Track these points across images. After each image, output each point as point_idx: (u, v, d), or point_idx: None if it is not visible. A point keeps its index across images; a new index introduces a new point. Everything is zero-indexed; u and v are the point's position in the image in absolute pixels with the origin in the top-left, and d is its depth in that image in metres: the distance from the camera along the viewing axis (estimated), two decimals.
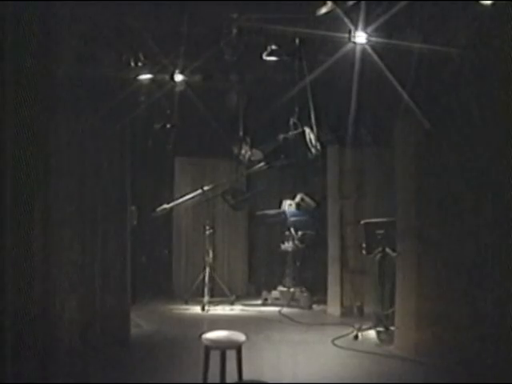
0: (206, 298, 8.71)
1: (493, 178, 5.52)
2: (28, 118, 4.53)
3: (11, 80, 4.07)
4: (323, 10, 5.84)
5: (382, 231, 6.95)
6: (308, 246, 9.26)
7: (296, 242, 9.21)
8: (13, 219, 4.29)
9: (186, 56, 7.16)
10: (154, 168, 9.59)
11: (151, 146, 9.38)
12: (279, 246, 9.32)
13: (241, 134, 8.99)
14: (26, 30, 4.43)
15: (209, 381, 4.65)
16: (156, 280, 9.54)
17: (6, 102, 3.97)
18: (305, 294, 9.01)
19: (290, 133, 8.06)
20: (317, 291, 9.00)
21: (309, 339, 7.04)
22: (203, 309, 8.61)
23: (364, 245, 7.20)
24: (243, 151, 8.90)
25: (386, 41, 5.94)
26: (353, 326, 7.07)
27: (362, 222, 7.37)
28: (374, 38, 5.96)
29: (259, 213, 9.66)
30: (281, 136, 8.28)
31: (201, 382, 4.66)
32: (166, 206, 9.05)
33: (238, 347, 4.67)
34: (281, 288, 9.17)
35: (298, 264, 9.23)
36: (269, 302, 9.16)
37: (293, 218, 9.30)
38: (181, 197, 9.28)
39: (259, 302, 9.25)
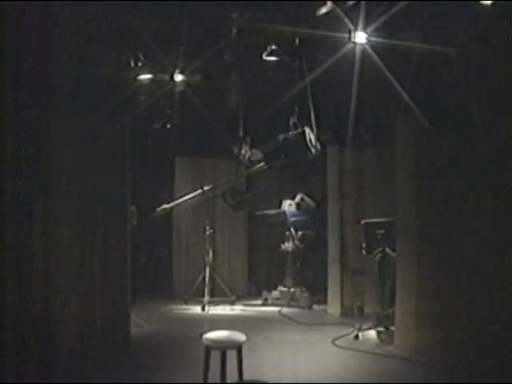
0: (206, 298, 8.70)
1: (493, 178, 5.52)
2: (28, 117, 4.54)
3: (11, 80, 4.07)
4: (323, 10, 5.85)
5: (382, 231, 6.95)
6: (308, 246, 9.25)
7: (296, 241, 9.20)
8: (13, 219, 4.29)
9: (186, 56, 7.17)
10: (154, 168, 9.58)
11: (151, 146, 9.38)
12: (279, 246, 9.31)
13: (241, 134, 8.99)
14: (26, 30, 4.44)
15: (209, 381, 4.65)
16: (156, 280, 9.54)
17: (5, 102, 3.97)
18: (305, 294, 9.01)
19: (290, 133, 8.07)
20: (317, 291, 8.99)
21: (309, 339, 7.04)
22: (203, 309, 8.61)
23: (364, 245, 7.19)
24: (243, 151, 8.90)
25: (385, 41, 5.95)
26: (353, 326, 7.06)
27: (362, 221, 7.37)
28: (374, 38, 5.96)
29: (259, 213, 9.65)
30: (281, 136, 8.29)
31: (201, 381, 4.66)
32: (165, 205, 9.05)
33: (238, 347, 4.67)
34: (281, 288, 9.16)
35: (298, 264, 9.22)
36: (269, 302, 9.16)
37: (293, 218, 9.30)
38: (181, 197, 9.28)
39: (259, 302, 9.25)
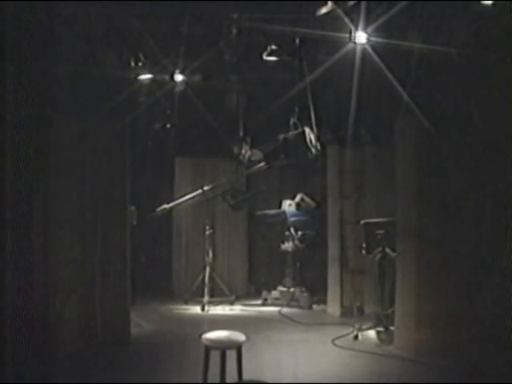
0: (206, 298, 8.70)
1: (493, 178, 5.52)
2: (28, 117, 4.53)
3: (11, 80, 4.07)
4: (323, 10, 5.85)
5: (382, 231, 6.95)
6: (308, 246, 9.25)
7: (296, 242, 9.20)
8: (13, 219, 4.29)
9: (186, 56, 7.16)
10: (154, 168, 9.59)
11: (151, 146, 9.38)
12: (279, 246, 9.31)
13: (241, 134, 8.99)
14: (26, 30, 4.43)
15: (209, 381, 4.65)
16: (156, 280, 9.54)
17: (6, 102, 3.97)
18: (305, 294, 9.01)
19: (290, 133, 8.07)
20: (317, 291, 8.99)
21: (309, 339, 7.03)
22: (203, 309, 8.61)
23: (364, 245, 7.19)
24: (243, 151, 8.90)
25: (386, 41, 5.94)
26: (353, 326, 7.06)
27: (362, 222, 7.37)
28: (374, 38, 5.96)
29: (259, 213, 9.65)
30: (281, 136, 8.29)
31: (201, 382, 4.66)
32: (165, 205, 9.05)
33: (238, 347, 4.67)
34: (281, 288, 9.16)
35: (297, 264, 9.22)
36: (269, 302, 9.16)
37: (293, 218, 9.30)
38: (181, 197, 9.28)
39: (259, 302, 9.25)
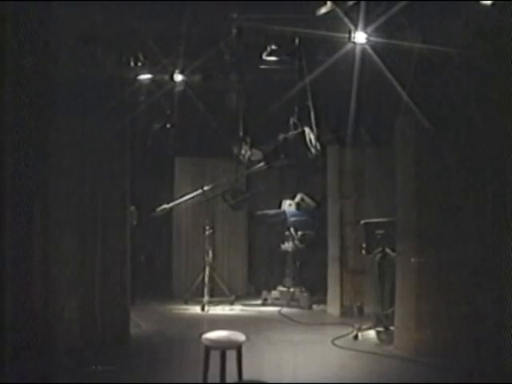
0: (206, 298, 8.70)
1: (493, 178, 5.52)
2: (28, 117, 4.54)
3: (11, 80, 4.07)
4: (323, 10, 5.84)
5: (382, 231, 6.95)
6: (308, 246, 9.25)
7: (296, 242, 9.20)
8: (13, 219, 4.29)
9: (186, 56, 7.16)
10: (154, 168, 9.58)
11: (151, 146, 9.38)
12: (279, 246, 9.31)
13: (241, 134, 8.98)
14: (26, 30, 4.44)
15: (209, 381, 4.65)
16: (156, 280, 9.54)
17: (5, 102, 3.97)
18: (305, 294, 9.01)
19: (290, 133, 8.06)
20: (317, 291, 8.99)
21: (309, 339, 7.03)
22: (203, 309, 8.61)
23: (364, 245, 7.19)
24: (243, 151, 8.89)
25: (385, 41, 5.94)
26: (353, 326, 7.06)
27: (362, 221, 7.37)
28: (373, 38, 5.96)
29: (259, 213, 9.65)
30: (281, 136, 8.29)
31: (201, 382, 4.66)
32: (165, 205, 9.05)
33: (237, 347, 4.67)
34: (281, 288, 9.16)
35: (297, 264, 9.22)
36: (269, 302, 9.15)
37: (293, 218, 9.30)
38: (181, 197, 9.28)
39: (259, 302, 9.24)
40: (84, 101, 6.18)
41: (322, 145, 7.88)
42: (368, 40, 5.97)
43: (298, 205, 9.39)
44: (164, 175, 9.87)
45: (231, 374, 4.60)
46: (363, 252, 7.24)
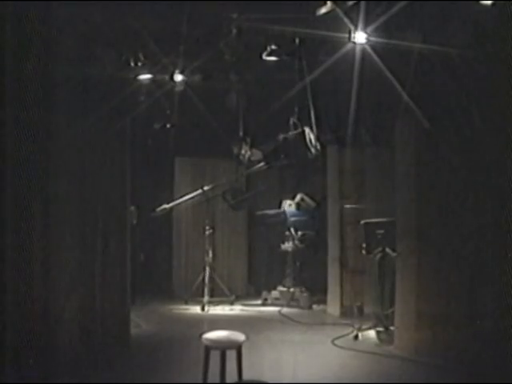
0: (206, 298, 8.70)
1: (493, 177, 5.52)
2: (28, 118, 4.54)
3: (11, 80, 4.07)
4: (323, 10, 5.84)
5: (382, 231, 6.95)
6: (308, 246, 9.25)
7: (296, 242, 9.21)
8: (13, 219, 4.29)
9: (186, 56, 7.17)
10: (154, 168, 9.59)
11: (151, 146, 9.38)
12: (279, 246, 9.31)
13: (241, 134, 8.99)
14: (26, 30, 4.43)
15: (209, 381, 4.65)
16: (156, 280, 9.54)
17: (6, 102, 3.97)
18: (305, 294, 9.01)
19: (290, 133, 8.07)
20: (317, 291, 8.99)
21: (309, 339, 7.04)
22: (203, 309, 8.61)
23: (364, 245, 7.19)
24: (243, 151, 8.90)
25: (386, 41, 5.94)
26: (353, 326, 7.07)
27: (362, 222, 7.37)
28: (373, 38, 5.96)
29: (259, 213, 9.65)
30: (281, 136, 8.29)
31: (201, 382, 4.66)
32: (165, 205, 9.05)
33: (237, 347, 4.67)
34: (281, 288, 9.16)
35: (297, 264, 9.22)
36: (269, 302, 9.16)
37: (293, 218, 9.30)
38: (181, 197, 9.28)
39: (259, 302, 9.24)
40: (84, 101, 6.18)
41: (322, 145, 7.88)
42: (368, 40, 5.97)
43: (298, 205, 9.39)
44: (164, 175, 9.88)
45: (231, 374, 4.60)
46: (363, 252, 7.25)
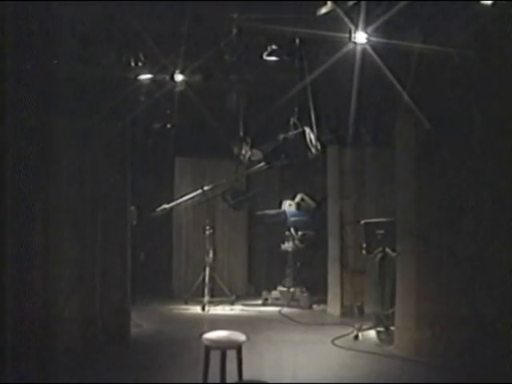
0: (206, 298, 8.70)
1: (493, 177, 5.52)
2: (28, 118, 4.54)
3: (11, 80, 4.07)
4: (323, 10, 5.84)
5: (382, 231, 6.95)
6: (308, 246, 9.25)
7: (296, 242, 9.21)
8: (13, 219, 4.29)
9: (186, 56, 7.16)
10: (154, 168, 9.59)
11: (151, 146, 9.38)
12: (279, 246, 9.31)
13: (241, 134, 8.98)
14: (26, 30, 4.43)
15: (209, 381, 4.65)
16: (156, 280, 9.54)
17: (6, 102, 3.97)
18: (305, 294, 9.01)
19: (290, 133, 8.07)
20: (317, 291, 8.99)
21: (309, 339, 7.03)
22: (203, 309, 8.61)
23: (364, 245, 7.20)
24: (243, 151, 8.90)
25: (386, 41, 5.94)
26: (353, 326, 7.06)
27: (362, 222, 7.37)
28: (374, 38, 5.96)
29: (259, 213, 9.66)
30: (281, 136, 8.29)
31: (201, 382, 4.66)
32: (165, 205, 9.05)
33: (238, 347, 4.67)
34: (281, 288, 9.16)
35: (298, 264, 9.22)
36: (269, 302, 9.16)
37: (293, 218, 9.30)
38: (181, 197, 9.28)
39: (259, 302, 9.25)
40: (84, 101, 6.18)
41: (322, 145, 7.88)
42: (368, 40, 5.97)
43: (298, 205, 9.39)
44: (164, 175, 9.88)
45: (231, 374, 4.60)
46: (363, 252, 7.25)
